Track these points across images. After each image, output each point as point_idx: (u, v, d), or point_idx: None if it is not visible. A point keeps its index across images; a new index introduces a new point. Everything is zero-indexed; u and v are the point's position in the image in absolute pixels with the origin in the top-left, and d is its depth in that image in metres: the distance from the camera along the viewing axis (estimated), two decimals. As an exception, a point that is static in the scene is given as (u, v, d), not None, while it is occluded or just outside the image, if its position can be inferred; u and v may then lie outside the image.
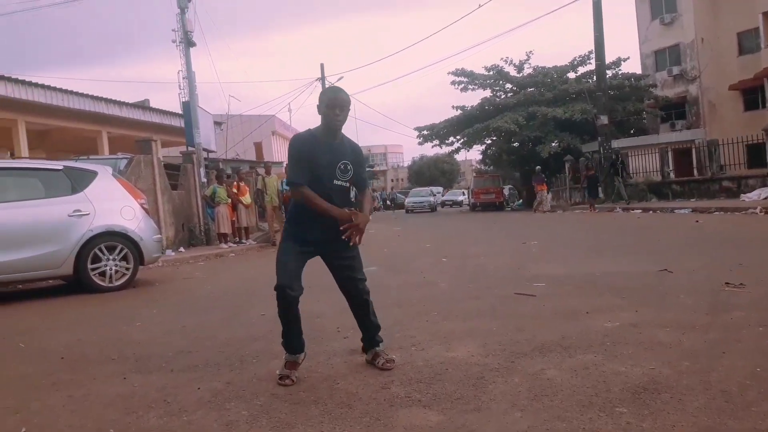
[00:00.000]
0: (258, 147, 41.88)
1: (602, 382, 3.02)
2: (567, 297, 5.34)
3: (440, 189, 55.97)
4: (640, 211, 18.87)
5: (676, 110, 31.30)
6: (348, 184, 3.41)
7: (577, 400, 2.80)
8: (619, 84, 29.26)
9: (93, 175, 7.49)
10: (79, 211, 7.13)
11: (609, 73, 28.96)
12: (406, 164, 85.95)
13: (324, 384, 3.27)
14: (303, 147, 3.36)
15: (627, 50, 74.12)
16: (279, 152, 48.90)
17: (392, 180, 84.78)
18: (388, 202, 48.36)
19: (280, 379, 3.31)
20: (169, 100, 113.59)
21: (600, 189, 22.54)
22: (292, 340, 3.43)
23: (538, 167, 26.69)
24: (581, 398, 2.83)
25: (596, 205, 21.41)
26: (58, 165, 7.73)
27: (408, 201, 39.32)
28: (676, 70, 30.80)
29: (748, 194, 16.88)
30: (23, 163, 8.26)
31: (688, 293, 5.16)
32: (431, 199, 39.25)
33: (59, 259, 7.01)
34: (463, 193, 48.24)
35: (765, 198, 16.19)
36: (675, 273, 6.20)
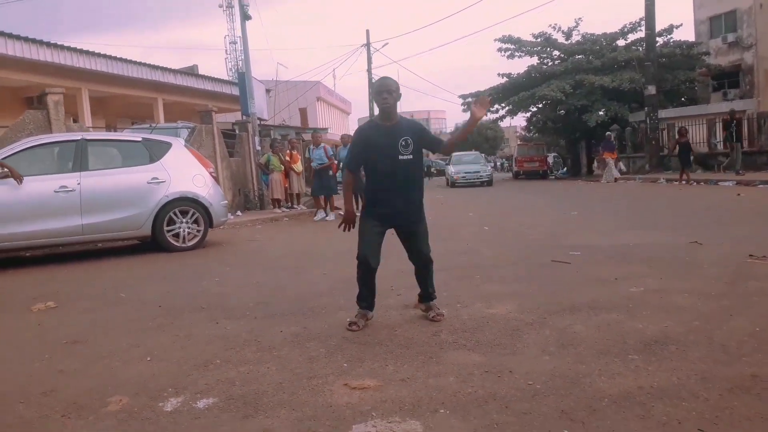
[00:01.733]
0: (303, 113, 42.65)
1: (620, 336, 3.59)
2: (599, 265, 5.86)
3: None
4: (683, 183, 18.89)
5: (730, 79, 30.60)
6: (413, 157, 3.98)
7: (596, 349, 3.38)
8: (670, 52, 28.75)
9: (168, 145, 8.29)
10: (156, 178, 7.95)
11: (660, 40, 28.48)
12: (448, 130, 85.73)
13: (384, 331, 3.93)
14: (362, 135, 4.05)
15: (681, 17, 71.85)
16: (323, 118, 49.59)
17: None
18: (432, 170, 46.96)
19: (350, 325, 3.99)
20: (215, 65, 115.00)
21: (691, 157, 19.76)
22: (367, 299, 4.12)
23: (609, 132, 25.58)
24: (601, 347, 3.41)
25: (687, 178, 18.50)
26: (137, 137, 8.56)
27: (452, 170, 27.27)
28: (731, 37, 30.02)
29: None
30: (108, 135, 9.10)
31: (712, 264, 5.63)
32: (484, 169, 27.49)
33: (140, 222, 7.87)
34: (495, 162, 43.82)
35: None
36: (705, 245, 6.64)
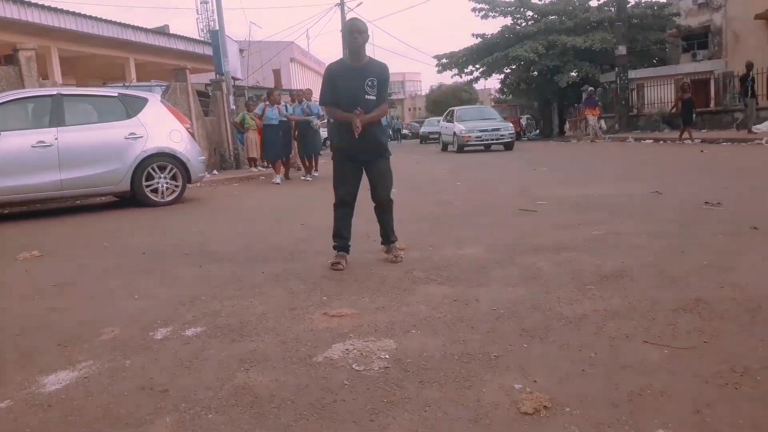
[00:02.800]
0: (276, 74, 42.13)
1: (579, 270, 3.87)
2: (564, 213, 6.15)
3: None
4: (651, 141, 19.36)
5: (699, 40, 30.97)
6: (376, 99, 4.15)
7: (558, 281, 3.66)
8: (641, 13, 29.00)
9: (144, 101, 8.31)
10: (133, 134, 8.00)
11: (631, 1, 28.67)
12: (424, 93, 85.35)
13: (361, 270, 4.16)
14: (332, 72, 4.21)
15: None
16: (298, 80, 49.06)
17: (409, 109, 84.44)
18: (405, 132, 45.63)
19: (333, 265, 4.21)
20: (186, 25, 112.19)
21: (694, 114, 18.41)
22: (342, 238, 4.35)
23: (591, 88, 24.35)
24: (561, 280, 3.68)
25: (690, 136, 17.36)
26: (113, 92, 8.56)
27: (461, 129, 20.30)
28: (701, -3, 30.29)
29: (758, 126, 17.25)
30: (83, 90, 9.06)
31: (670, 210, 5.95)
32: (505, 125, 20.73)
33: (118, 177, 7.94)
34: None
35: (775, 129, 16.43)
36: (665, 195, 6.96)
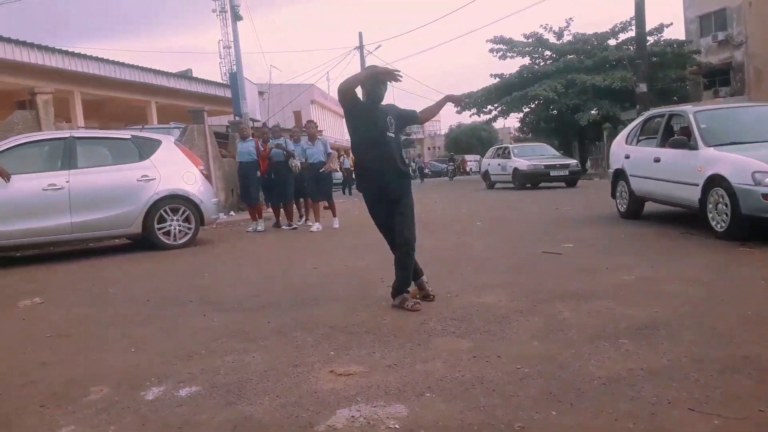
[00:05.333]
0: (297, 115, 42.53)
1: (610, 321, 3.55)
2: (590, 256, 5.83)
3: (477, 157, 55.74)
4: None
5: (720, 77, 30.72)
6: (395, 136, 4.24)
7: (586, 334, 3.34)
8: (661, 51, 28.86)
9: (158, 143, 8.21)
10: (146, 176, 7.88)
11: (651, 39, 28.54)
12: (443, 132, 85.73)
13: (373, 320, 3.88)
14: (361, 105, 4.22)
15: (671, 15, 72.06)
16: (318, 121, 49.46)
17: (429, 148, 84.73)
18: (426, 171, 45.39)
19: (411, 307, 4.05)
20: (209, 70, 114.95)
21: None
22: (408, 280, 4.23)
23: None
24: (590, 333, 3.37)
25: None
26: (126, 134, 8.50)
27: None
28: (721, 35, 30.14)
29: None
30: (96, 133, 9.02)
31: (704, 253, 5.61)
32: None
33: (130, 219, 7.79)
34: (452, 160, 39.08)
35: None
36: (696, 235, 6.61)
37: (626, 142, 8.74)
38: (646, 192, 8.03)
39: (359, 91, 4.17)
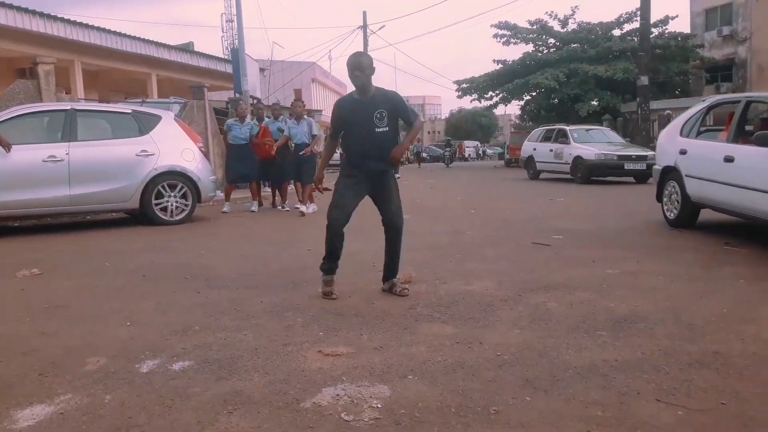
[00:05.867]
0: (297, 94, 42.43)
1: (591, 314, 3.68)
2: (579, 248, 5.95)
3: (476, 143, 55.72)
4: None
5: (723, 72, 30.72)
6: (388, 129, 4.08)
7: (567, 325, 3.47)
8: (665, 43, 28.81)
9: (158, 118, 8.28)
10: (145, 151, 7.95)
11: (655, 31, 28.49)
12: (443, 116, 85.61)
13: (362, 303, 4.00)
14: (340, 108, 4.17)
15: (677, 8, 71.78)
16: (318, 100, 49.39)
17: (429, 132, 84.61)
18: (424, 155, 42.29)
19: (325, 295, 4.11)
20: (211, 44, 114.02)
21: None
22: (331, 261, 4.20)
23: (668, 111, 19.46)
24: (571, 323, 3.50)
25: None
26: (127, 108, 8.55)
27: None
28: (726, 30, 30.09)
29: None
30: (97, 106, 9.07)
31: (689, 249, 5.74)
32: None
33: (128, 194, 7.88)
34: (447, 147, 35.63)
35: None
36: (685, 232, 6.74)
37: (681, 134, 7.25)
38: (707, 198, 6.55)
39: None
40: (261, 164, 9.89)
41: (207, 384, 2.70)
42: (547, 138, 18.28)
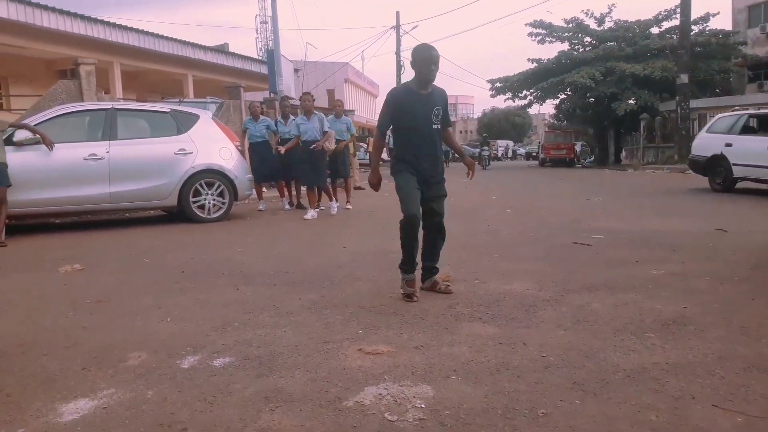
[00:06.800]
0: (331, 94, 42.58)
1: (637, 315, 3.57)
2: (621, 248, 5.80)
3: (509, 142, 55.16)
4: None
5: (766, 70, 29.85)
6: (440, 126, 4.03)
7: (613, 326, 3.37)
8: (705, 41, 28.14)
9: (196, 117, 8.37)
10: (183, 150, 8.04)
11: (695, 28, 27.87)
12: (476, 116, 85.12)
13: (401, 302, 3.95)
14: (397, 99, 4.01)
15: (718, 5, 69.88)
16: (350, 100, 49.52)
17: (461, 131, 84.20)
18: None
19: (407, 297, 3.95)
20: (246, 45, 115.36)
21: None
22: (412, 261, 4.02)
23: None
24: (617, 325, 3.39)
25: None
26: (165, 108, 8.67)
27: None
28: (769, 27, 29.26)
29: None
30: (137, 105, 9.22)
31: (736, 250, 5.55)
32: None
33: (166, 192, 7.98)
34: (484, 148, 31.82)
35: None
36: (730, 233, 6.53)
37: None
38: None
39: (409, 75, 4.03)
40: (283, 163, 9.48)
41: (248, 380, 2.68)
42: (747, 128, 11.86)
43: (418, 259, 4.10)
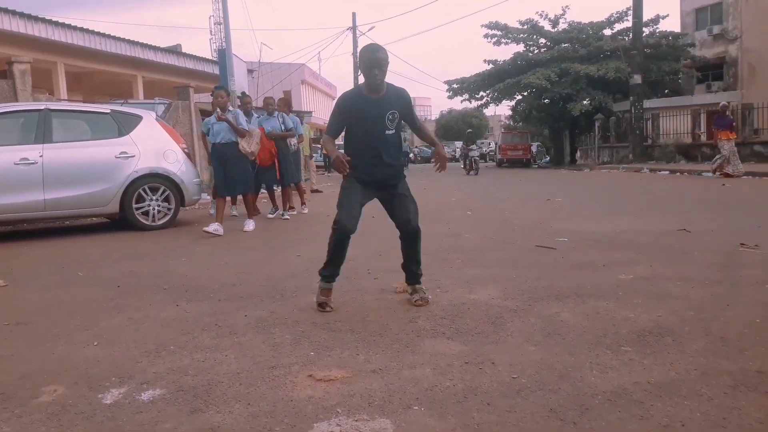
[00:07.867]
0: (287, 95, 42.07)
1: (611, 326, 3.32)
2: (586, 251, 5.60)
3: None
4: (668, 172, 18.85)
5: (714, 71, 30.59)
6: (395, 131, 3.72)
7: (586, 339, 3.11)
8: (656, 42, 28.68)
9: (138, 119, 7.87)
10: (125, 153, 7.54)
11: (646, 30, 28.36)
12: (433, 118, 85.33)
13: (358, 316, 3.62)
14: (345, 104, 3.71)
15: (667, 7, 71.80)
16: (308, 101, 48.97)
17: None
18: (411, 156, 36.22)
19: (320, 306, 3.71)
20: (199, 46, 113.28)
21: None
22: (334, 268, 3.79)
23: (723, 103, 16.42)
24: (591, 338, 3.13)
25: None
26: (105, 108, 8.14)
27: None
28: (716, 29, 29.97)
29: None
30: (73, 106, 8.65)
31: (702, 252, 5.40)
32: None
33: (107, 198, 7.46)
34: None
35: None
36: (693, 233, 6.41)
37: None
38: None
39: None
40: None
41: (179, 418, 2.32)
42: None
43: (399, 264, 3.92)
